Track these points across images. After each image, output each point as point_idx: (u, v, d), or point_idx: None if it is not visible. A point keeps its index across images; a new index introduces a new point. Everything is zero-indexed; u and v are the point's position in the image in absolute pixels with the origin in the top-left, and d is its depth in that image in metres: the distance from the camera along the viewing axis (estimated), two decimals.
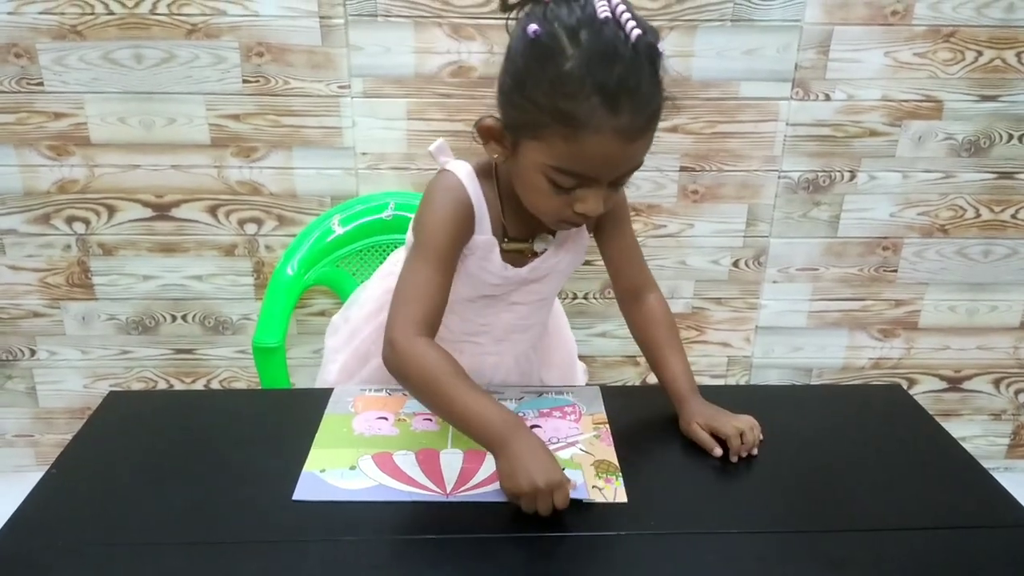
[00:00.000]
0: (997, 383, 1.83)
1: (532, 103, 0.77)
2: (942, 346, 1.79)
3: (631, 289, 1.01)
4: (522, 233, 0.94)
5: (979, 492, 0.84)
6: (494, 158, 0.87)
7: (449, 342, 0.98)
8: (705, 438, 0.87)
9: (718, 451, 0.86)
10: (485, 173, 0.92)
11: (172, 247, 1.65)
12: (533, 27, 0.76)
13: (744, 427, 0.87)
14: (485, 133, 0.85)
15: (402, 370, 0.83)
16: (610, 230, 0.99)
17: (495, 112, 0.84)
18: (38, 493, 0.80)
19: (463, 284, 0.95)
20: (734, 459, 0.86)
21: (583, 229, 0.97)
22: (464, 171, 0.91)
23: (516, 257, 0.95)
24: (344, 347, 1.14)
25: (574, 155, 0.77)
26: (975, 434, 1.88)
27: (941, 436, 0.95)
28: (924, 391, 1.83)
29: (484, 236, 0.91)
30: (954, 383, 1.83)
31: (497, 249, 0.92)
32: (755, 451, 0.87)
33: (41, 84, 1.52)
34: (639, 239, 1.62)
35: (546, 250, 0.95)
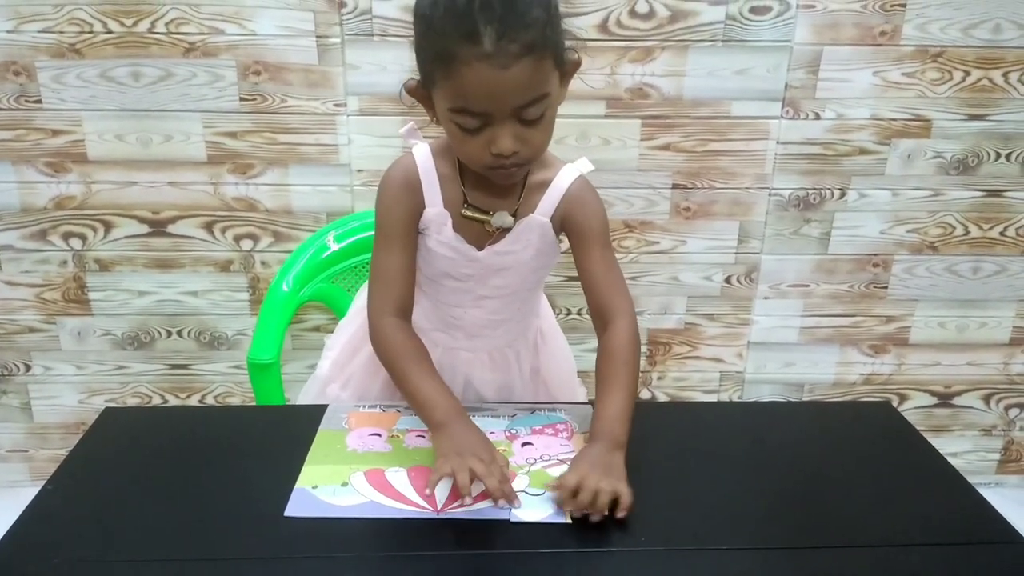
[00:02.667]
0: (987, 399, 1.85)
1: (422, 53, 0.84)
2: (932, 362, 1.81)
3: (597, 311, 0.97)
4: (485, 206, 0.96)
5: (967, 509, 0.84)
6: (429, 116, 0.90)
7: (426, 331, 1.02)
8: (553, 486, 0.80)
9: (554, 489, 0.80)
10: (446, 149, 0.95)
11: (168, 263, 1.66)
12: None
13: (596, 492, 0.76)
14: (412, 94, 0.89)
15: (376, 348, 0.94)
16: (578, 247, 0.98)
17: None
18: (34, 509, 0.80)
19: (424, 262, 0.99)
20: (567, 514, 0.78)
21: (548, 229, 0.97)
22: (421, 150, 0.96)
23: (476, 236, 0.96)
24: (336, 343, 1.17)
25: (457, 92, 0.81)
26: (966, 449, 1.89)
27: (930, 453, 0.96)
28: (915, 407, 1.84)
29: (435, 209, 0.95)
30: (944, 399, 1.84)
31: (449, 222, 0.95)
32: (594, 517, 0.77)
33: (39, 101, 1.53)
34: (631, 255, 1.67)
35: (506, 230, 0.96)
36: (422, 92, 0.88)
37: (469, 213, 0.95)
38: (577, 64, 0.89)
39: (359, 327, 1.10)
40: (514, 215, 0.96)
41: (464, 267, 0.98)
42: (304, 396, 1.19)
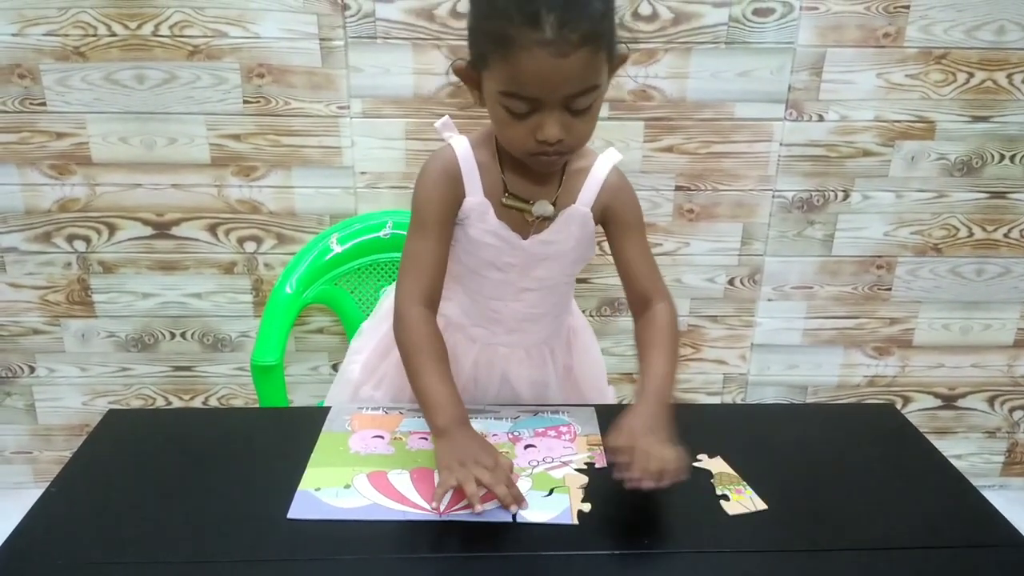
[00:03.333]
0: (991, 401, 1.84)
1: (478, 33, 0.84)
2: (936, 364, 1.80)
3: (638, 298, 1.00)
4: (524, 194, 0.96)
5: (971, 511, 0.84)
6: (473, 98, 0.91)
7: (465, 327, 1.04)
8: (612, 447, 0.81)
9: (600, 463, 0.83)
10: (484, 140, 0.97)
11: (172, 265, 1.66)
12: None
13: (656, 459, 0.77)
14: (459, 75, 0.90)
15: (397, 337, 0.93)
16: (617, 236, 1.00)
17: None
18: (37, 512, 0.81)
19: (467, 253, 0.99)
20: (628, 481, 0.77)
21: (588, 219, 0.98)
22: (460, 142, 0.96)
23: (518, 226, 0.97)
24: (365, 346, 1.17)
25: (511, 76, 0.81)
26: (970, 452, 1.88)
27: (933, 455, 0.96)
28: (919, 409, 1.84)
29: (476, 198, 0.95)
30: (949, 401, 1.84)
31: (491, 211, 0.96)
32: (659, 481, 0.77)
33: (44, 104, 1.54)
34: None
35: (546, 219, 0.96)
36: (471, 73, 0.88)
37: (509, 202, 0.96)
38: (625, 58, 0.89)
39: (390, 328, 1.10)
40: (554, 204, 0.96)
41: (508, 256, 0.98)
42: (332, 399, 1.17)
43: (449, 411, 0.85)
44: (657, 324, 0.97)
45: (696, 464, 0.88)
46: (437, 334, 0.93)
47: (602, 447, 0.86)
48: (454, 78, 0.91)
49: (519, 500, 0.78)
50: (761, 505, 0.82)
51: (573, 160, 0.97)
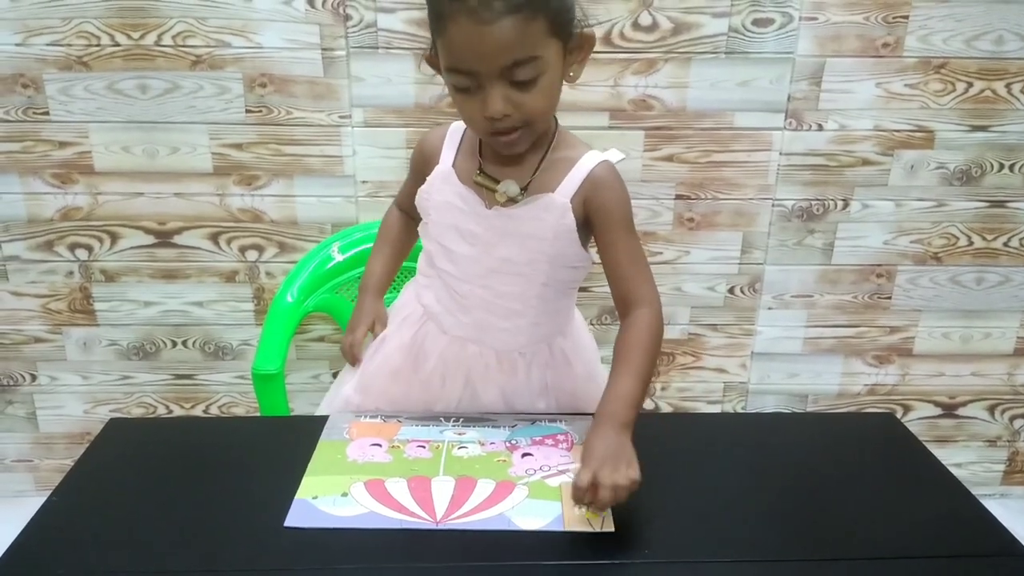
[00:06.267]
0: (992, 410, 1.84)
1: (429, 17, 0.87)
2: (937, 373, 1.80)
3: (619, 302, 0.97)
4: (499, 176, 0.97)
5: (970, 521, 0.84)
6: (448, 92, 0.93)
7: (437, 314, 1.05)
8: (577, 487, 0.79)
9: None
10: None
11: (173, 273, 1.67)
12: None
13: (614, 488, 0.77)
14: (429, 64, 0.93)
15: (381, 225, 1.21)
16: (602, 234, 0.97)
17: None
18: (38, 521, 0.81)
19: (435, 223, 1.02)
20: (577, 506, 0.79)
21: (567, 211, 0.94)
22: (460, 121, 1.01)
23: (487, 199, 0.98)
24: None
25: (448, 50, 0.84)
26: (971, 460, 1.88)
27: (933, 464, 0.95)
28: (919, 417, 1.83)
29: (443, 166, 1.00)
30: (949, 409, 1.84)
31: (454, 176, 0.99)
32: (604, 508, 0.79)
33: (47, 113, 1.55)
34: None
35: (512, 200, 0.95)
36: (435, 60, 0.91)
37: (479, 179, 0.97)
38: (590, 39, 0.89)
39: (374, 337, 1.13)
40: (525, 189, 0.96)
41: (471, 222, 0.98)
42: (326, 405, 1.17)
43: (373, 277, 1.17)
44: (632, 333, 0.93)
45: (570, 478, 0.84)
46: (397, 224, 1.18)
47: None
48: (428, 70, 0.94)
49: (348, 356, 1.13)
50: (610, 527, 0.78)
51: (557, 148, 0.96)
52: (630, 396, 0.87)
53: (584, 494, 0.77)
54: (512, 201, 0.96)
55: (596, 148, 0.98)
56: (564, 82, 0.91)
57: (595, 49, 1.46)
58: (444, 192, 1.00)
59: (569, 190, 0.95)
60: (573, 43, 0.88)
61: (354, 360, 1.12)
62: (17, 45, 1.50)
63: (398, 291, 1.20)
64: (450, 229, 1.00)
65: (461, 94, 0.87)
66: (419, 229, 1.07)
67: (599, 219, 0.95)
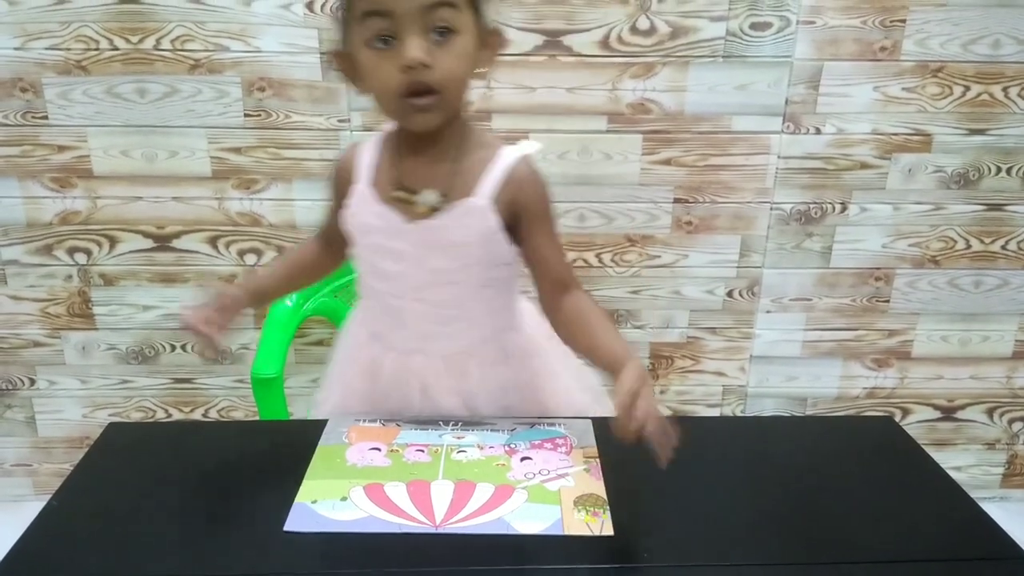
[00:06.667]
0: (990, 412, 1.84)
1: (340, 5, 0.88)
2: (935, 375, 1.80)
3: (554, 287, 0.97)
4: (416, 186, 0.95)
5: (970, 524, 0.84)
6: (355, 87, 0.92)
7: (380, 335, 1.04)
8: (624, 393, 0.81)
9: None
10: (388, 135, 0.99)
11: (172, 277, 1.67)
12: None
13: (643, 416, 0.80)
14: (336, 61, 0.93)
15: None
16: (528, 230, 0.96)
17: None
18: (39, 525, 0.81)
19: (362, 246, 1.00)
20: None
21: (488, 213, 0.93)
22: (373, 137, 1.00)
23: (408, 214, 0.95)
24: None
25: None
26: (970, 463, 1.88)
27: (932, 468, 0.95)
28: (918, 420, 1.84)
29: (360, 185, 0.97)
30: (948, 412, 1.84)
31: (371, 196, 0.96)
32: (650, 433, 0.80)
33: (46, 118, 1.55)
34: (633, 269, 1.68)
35: (434, 209, 0.94)
36: (343, 53, 0.90)
37: (396, 194, 0.95)
38: (502, 36, 0.92)
39: (341, 345, 1.14)
40: (445, 195, 0.94)
41: (396, 240, 0.96)
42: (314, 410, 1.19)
43: (248, 281, 1.14)
44: (587, 306, 0.95)
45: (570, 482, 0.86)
46: (303, 248, 1.14)
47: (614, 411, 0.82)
48: (335, 67, 0.93)
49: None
50: (608, 531, 0.78)
51: (470, 149, 0.94)
52: (625, 345, 0.90)
53: (633, 420, 0.79)
54: (434, 210, 0.94)
55: (525, 141, 0.97)
56: (476, 75, 0.91)
57: (593, 53, 1.48)
58: (363, 214, 0.97)
59: (489, 190, 0.93)
60: (486, 31, 0.90)
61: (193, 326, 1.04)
62: (16, 49, 1.50)
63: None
64: (377, 249, 0.99)
65: (375, 53, 0.85)
66: (352, 253, 1.04)
67: (526, 216, 0.95)
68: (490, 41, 0.91)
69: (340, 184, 1.01)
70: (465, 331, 1.02)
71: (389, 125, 0.99)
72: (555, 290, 0.97)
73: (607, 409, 1.11)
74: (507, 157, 0.94)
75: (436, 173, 0.94)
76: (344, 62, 0.91)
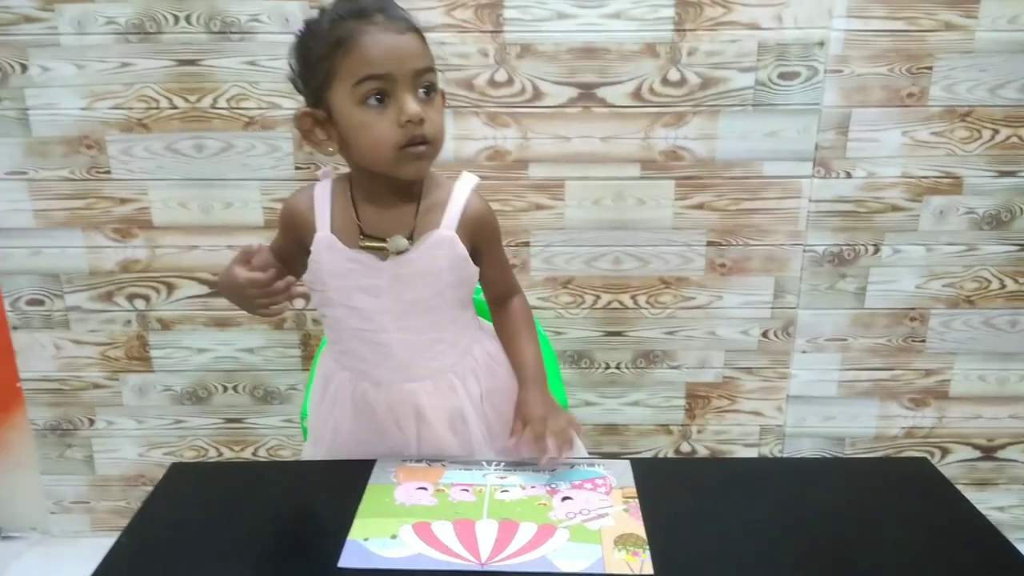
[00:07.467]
0: None
1: (316, 61, 0.94)
2: (974, 415, 1.80)
3: (499, 296, 1.14)
4: (379, 232, 1.01)
5: (1006, 567, 0.84)
6: (327, 150, 0.98)
7: (366, 374, 1.08)
8: (516, 427, 1.04)
9: (511, 441, 1.03)
10: (341, 182, 1.05)
11: (225, 322, 1.74)
12: (297, 28, 0.97)
13: (552, 427, 1.01)
14: (306, 125, 0.98)
15: None
16: (484, 254, 1.08)
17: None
18: (109, 561, 0.86)
19: (335, 289, 1.04)
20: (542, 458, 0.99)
21: (455, 241, 1.02)
22: (322, 183, 1.05)
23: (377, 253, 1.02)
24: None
25: (361, 59, 0.91)
26: (1012, 503, 1.85)
27: (967, 509, 0.95)
28: (958, 460, 1.83)
29: (323, 233, 1.02)
30: (988, 452, 1.83)
31: (338, 244, 1.01)
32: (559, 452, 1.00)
33: (109, 172, 1.65)
34: (668, 311, 1.72)
35: (406, 251, 1.01)
36: (312, 114, 0.96)
37: (366, 243, 1.01)
38: (444, 94, 1.01)
39: (319, 390, 1.17)
40: (410, 238, 1.01)
41: (372, 278, 1.02)
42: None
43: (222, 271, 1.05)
44: (515, 313, 1.14)
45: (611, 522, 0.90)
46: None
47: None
48: (301, 127, 0.98)
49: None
50: (649, 570, 0.82)
51: (428, 191, 1.03)
52: (539, 358, 1.11)
53: (547, 447, 0.99)
54: (403, 252, 1.02)
55: (469, 178, 1.06)
56: None
57: (625, 104, 1.53)
58: (334, 261, 1.02)
59: (452, 222, 1.03)
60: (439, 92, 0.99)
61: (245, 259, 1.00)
62: (83, 109, 1.60)
63: None
64: (353, 290, 1.04)
65: (370, 111, 0.92)
66: (315, 304, 1.09)
67: (484, 244, 1.07)
68: (441, 96, 1.01)
69: (295, 227, 1.05)
70: (448, 350, 1.10)
71: (332, 176, 1.06)
72: (496, 298, 1.15)
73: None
74: (460, 192, 1.05)
75: (398, 217, 1.02)
76: (311, 121, 0.98)
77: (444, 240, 1.03)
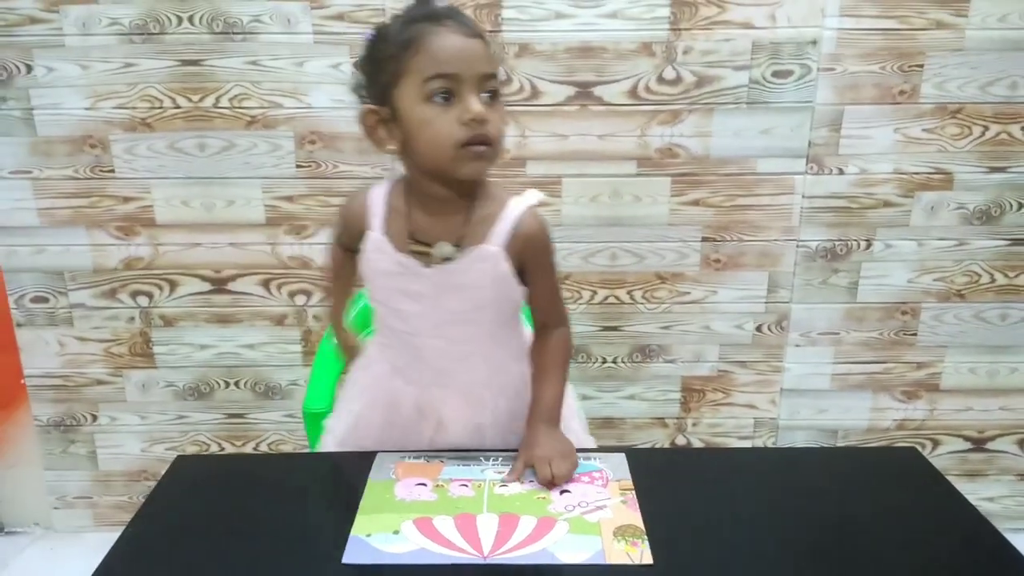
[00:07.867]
0: (1021, 443, 1.85)
1: (386, 60, 0.95)
2: (965, 407, 1.83)
3: (541, 323, 1.11)
4: (429, 238, 1.02)
5: (994, 556, 0.86)
6: (388, 148, 0.99)
7: (401, 370, 1.11)
8: (518, 467, 1.00)
9: (510, 478, 1.00)
10: (398, 185, 1.05)
11: (227, 318, 1.77)
12: (367, 33, 0.99)
13: (554, 469, 0.98)
14: (370, 122, 0.98)
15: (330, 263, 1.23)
16: (532, 275, 1.05)
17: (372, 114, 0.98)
18: (117, 551, 0.87)
19: (379, 288, 1.07)
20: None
21: (501, 259, 1.01)
22: (381, 184, 1.07)
23: (422, 259, 1.03)
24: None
25: (431, 59, 0.92)
26: (1002, 494, 1.89)
27: (957, 499, 0.97)
28: (949, 451, 1.86)
29: (375, 233, 1.04)
30: (978, 443, 1.86)
31: (388, 245, 1.03)
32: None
33: (112, 171, 1.66)
34: (664, 305, 1.74)
35: (448, 259, 1.01)
36: (376, 115, 0.97)
37: (413, 247, 1.02)
38: (503, 105, 1.02)
39: (359, 376, 1.20)
40: (457, 245, 1.01)
41: (415, 283, 1.03)
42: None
43: (336, 310, 1.25)
44: (550, 346, 1.10)
45: (609, 514, 0.92)
46: (336, 262, 1.19)
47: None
48: (364, 126, 0.99)
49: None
50: (649, 560, 0.83)
51: (481, 204, 1.02)
52: (558, 399, 1.07)
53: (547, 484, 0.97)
54: (448, 259, 1.02)
55: (529, 191, 1.04)
56: None
57: (622, 102, 1.55)
58: (381, 261, 1.04)
59: (500, 239, 1.01)
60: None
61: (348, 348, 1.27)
62: (87, 109, 1.62)
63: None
64: (395, 292, 1.06)
65: (435, 108, 0.93)
66: (366, 291, 1.11)
67: (532, 264, 1.05)
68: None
69: (350, 224, 1.08)
70: (480, 365, 1.10)
71: (392, 178, 1.07)
72: (539, 325, 1.11)
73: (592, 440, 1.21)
74: (515, 208, 1.02)
75: (448, 225, 1.02)
76: (375, 120, 0.98)
77: (489, 255, 1.01)
